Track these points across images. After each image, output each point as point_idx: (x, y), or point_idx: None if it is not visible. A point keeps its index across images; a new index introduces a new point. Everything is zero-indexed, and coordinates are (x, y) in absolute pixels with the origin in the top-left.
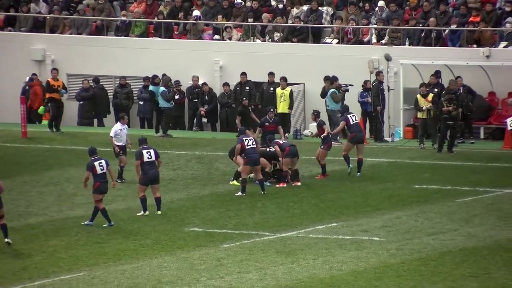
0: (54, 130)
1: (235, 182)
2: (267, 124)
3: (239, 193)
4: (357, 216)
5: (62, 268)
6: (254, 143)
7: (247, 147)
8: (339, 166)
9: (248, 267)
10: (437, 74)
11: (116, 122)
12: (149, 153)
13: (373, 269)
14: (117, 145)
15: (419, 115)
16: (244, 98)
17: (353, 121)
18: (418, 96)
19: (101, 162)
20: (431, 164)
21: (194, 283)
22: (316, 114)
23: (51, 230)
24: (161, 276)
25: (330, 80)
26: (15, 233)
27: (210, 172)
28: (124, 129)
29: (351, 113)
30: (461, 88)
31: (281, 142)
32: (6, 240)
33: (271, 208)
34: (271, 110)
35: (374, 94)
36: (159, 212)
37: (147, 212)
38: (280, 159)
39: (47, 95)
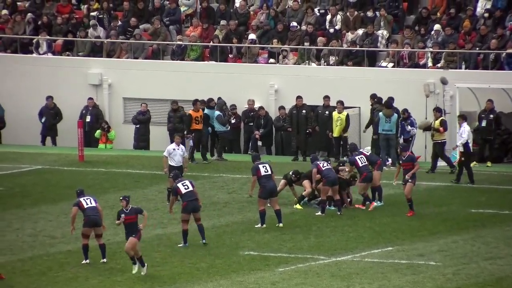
0: (198, 161)
1: (298, 206)
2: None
3: (319, 213)
4: (413, 240)
5: None
6: (328, 164)
7: (323, 168)
8: (393, 190)
9: None
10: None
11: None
12: (265, 167)
13: None
14: (170, 165)
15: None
16: (293, 175)
17: (362, 163)
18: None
19: (184, 183)
20: (488, 188)
21: None
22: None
23: (107, 253)
24: None
25: (387, 105)
26: (71, 256)
27: None
28: (178, 149)
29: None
30: None
31: (323, 166)
32: (103, 260)
33: (326, 231)
34: None
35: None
36: (281, 225)
37: (264, 225)
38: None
39: (192, 127)
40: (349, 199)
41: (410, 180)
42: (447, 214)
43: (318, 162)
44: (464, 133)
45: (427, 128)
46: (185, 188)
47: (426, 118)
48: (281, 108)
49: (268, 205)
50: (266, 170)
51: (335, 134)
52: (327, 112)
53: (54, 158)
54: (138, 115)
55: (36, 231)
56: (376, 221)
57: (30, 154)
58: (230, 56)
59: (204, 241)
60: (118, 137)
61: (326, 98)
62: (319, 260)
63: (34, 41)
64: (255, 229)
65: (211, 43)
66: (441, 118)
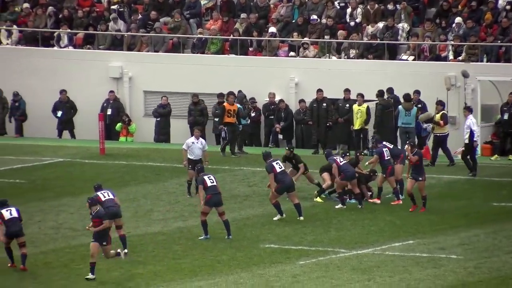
0: (227, 154)
1: (318, 199)
2: None
3: (339, 205)
4: (434, 234)
5: (139, 284)
6: (344, 158)
7: (341, 163)
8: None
9: (324, 284)
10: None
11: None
12: (278, 163)
13: (450, 287)
14: (188, 158)
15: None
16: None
17: (387, 156)
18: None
19: (210, 176)
20: (509, 182)
21: None
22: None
23: (129, 246)
24: None
25: (406, 99)
26: None
27: None
28: (197, 143)
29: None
30: None
31: (339, 160)
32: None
33: (347, 224)
34: None
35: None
36: (301, 218)
37: (284, 215)
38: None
39: (225, 120)
40: (370, 193)
41: (420, 178)
42: (468, 207)
43: (335, 157)
44: (472, 125)
45: (428, 120)
46: (211, 182)
47: (447, 112)
48: (302, 101)
49: (287, 199)
50: (280, 167)
51: (356, 126)
52: (347, 105)
53: (75, 151)
54: (159, 108)
55: (58, 223)
56: (397, 214)
57: (51, 147)
58: (250, 49)
59: (230, 236)
60: (138, 130)
61: (347, 91)
62: (340, 253)
63: (55, 34)
64: (276, 222)
65: (231, 36)
66: (443, 111)
